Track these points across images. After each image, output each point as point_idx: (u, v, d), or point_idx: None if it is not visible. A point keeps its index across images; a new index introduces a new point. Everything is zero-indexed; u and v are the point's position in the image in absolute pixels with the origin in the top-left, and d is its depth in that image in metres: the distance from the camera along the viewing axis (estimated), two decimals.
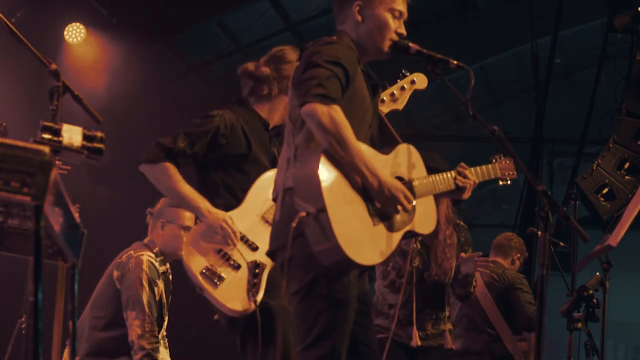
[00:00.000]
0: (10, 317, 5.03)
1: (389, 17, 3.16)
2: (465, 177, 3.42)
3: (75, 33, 6.95)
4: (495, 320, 6.05)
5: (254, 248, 3.56)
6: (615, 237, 3.92)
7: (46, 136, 2.20)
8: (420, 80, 3.70)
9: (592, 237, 3.21)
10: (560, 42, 9.69)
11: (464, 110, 3.07)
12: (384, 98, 3.64)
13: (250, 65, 3.80)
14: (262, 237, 3.50)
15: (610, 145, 7.14)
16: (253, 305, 3.42)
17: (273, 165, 3.66)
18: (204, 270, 3.50)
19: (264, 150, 3.73)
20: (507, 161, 3.81)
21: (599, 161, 7.14)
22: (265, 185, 3.59)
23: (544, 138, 9.81)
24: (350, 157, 2.89)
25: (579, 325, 4.39)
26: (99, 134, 2.31)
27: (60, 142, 2.22)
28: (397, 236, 3.07)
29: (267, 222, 3.57)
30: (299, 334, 2.94)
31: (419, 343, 4.55)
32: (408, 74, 3.70)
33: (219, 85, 9.16)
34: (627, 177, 7.07)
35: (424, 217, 3.20)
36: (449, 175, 3.38)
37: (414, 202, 3.09)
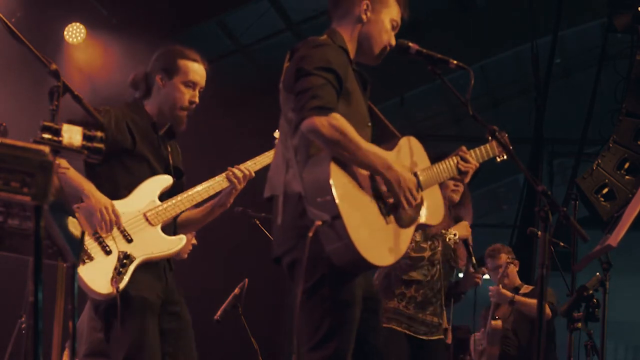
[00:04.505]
0: (10, 317, 5.03)
1: (389, 24, 3.18)
2: (466, 161, 3.43)
3: (75, 33, 6.94)
4: None
5: (129, 240, 3.64)
6: (615, 237, 3.91)
7: (46, 136, 2.20)
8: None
9: (592, 237, 3.20)
10: (560, 42, 9.69)
11: (464, 110, 3.07)
12: None
13: (140, 72, 3.88)
14: (139, 232, 3.64)
15: (610, 145, 7.12)
16: (115, 291, 3.46)
17: (162, 164, 3.78)
18: None
19: (151, 149, 3.77)
20: (502, 137, 3.83)
21: (599, 161, 7.13)
22: (153, 187, 3.72)
23: (544, 138, 9.81)
24: (363, 160, 2.90)
25: (579, 325, 4.39)
26: (99, 133, 2.30)
27: (60, 142, 2.21)
28: (410, 232, 3.10)
29: (147, 220, 3.68)
30: (305, 335, 2.93)
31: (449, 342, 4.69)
32: None
33: (219, 85, 9.14)
34: (627, 177, 7.05)
35: (432, 208, 3.22)
36: (451, 162, 3.38)
37: (421, 195, 3.10)
